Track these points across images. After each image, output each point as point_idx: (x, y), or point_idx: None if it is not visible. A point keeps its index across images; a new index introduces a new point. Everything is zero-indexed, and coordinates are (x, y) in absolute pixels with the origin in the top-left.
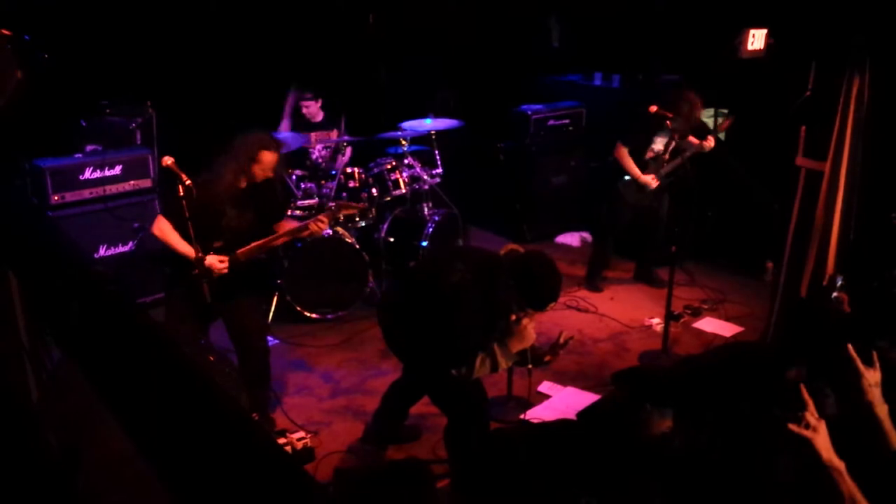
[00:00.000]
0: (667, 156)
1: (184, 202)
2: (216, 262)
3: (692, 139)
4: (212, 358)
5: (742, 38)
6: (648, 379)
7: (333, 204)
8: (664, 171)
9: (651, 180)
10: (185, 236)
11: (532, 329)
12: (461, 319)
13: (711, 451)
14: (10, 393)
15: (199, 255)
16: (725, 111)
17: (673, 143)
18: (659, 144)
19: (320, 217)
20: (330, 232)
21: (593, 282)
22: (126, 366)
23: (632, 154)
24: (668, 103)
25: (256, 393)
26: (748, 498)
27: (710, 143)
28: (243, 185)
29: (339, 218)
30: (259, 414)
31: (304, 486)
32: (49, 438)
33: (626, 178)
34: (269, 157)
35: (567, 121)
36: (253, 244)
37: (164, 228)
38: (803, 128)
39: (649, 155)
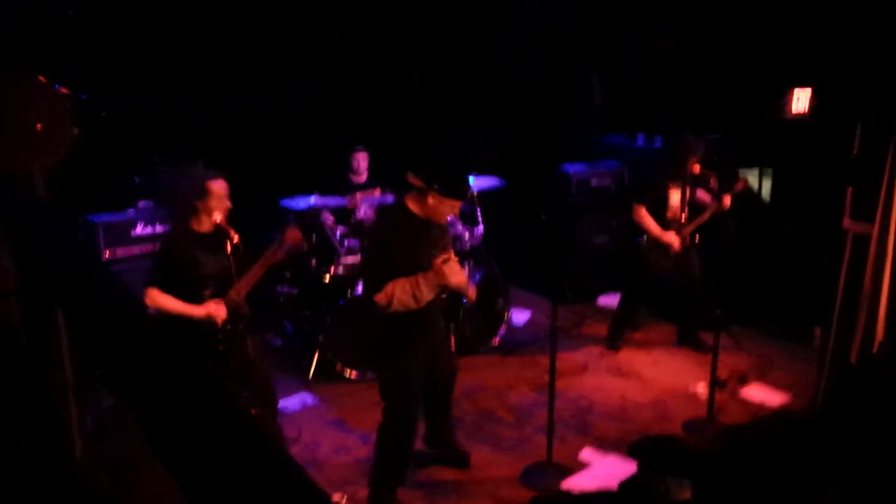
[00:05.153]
0: (685, 212)
1: (231, 259)
2: (214, 309)
3: (706, 197)
4: (254, 412)
5: (787, 99)
6: (667, 448)
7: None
8: (686, 231)
9: (674, 239)
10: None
11: (450, 269)
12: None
13: None
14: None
15: (242, 309)
16: (770, 171)
17: (687, 197)
18: (675, 199)
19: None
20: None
21: (614, 341)
22: (174, 410)
23: (651, 213)
24: (709, 162)
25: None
26: None
27: (727, 202)
28: (208, 228)
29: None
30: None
31: None
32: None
33: (646, 236)
34: (217, 186)
35: (609, 181)
36: (240, 281)
37: (158, 300)
38: (850, 189)
39: (669, 214)
